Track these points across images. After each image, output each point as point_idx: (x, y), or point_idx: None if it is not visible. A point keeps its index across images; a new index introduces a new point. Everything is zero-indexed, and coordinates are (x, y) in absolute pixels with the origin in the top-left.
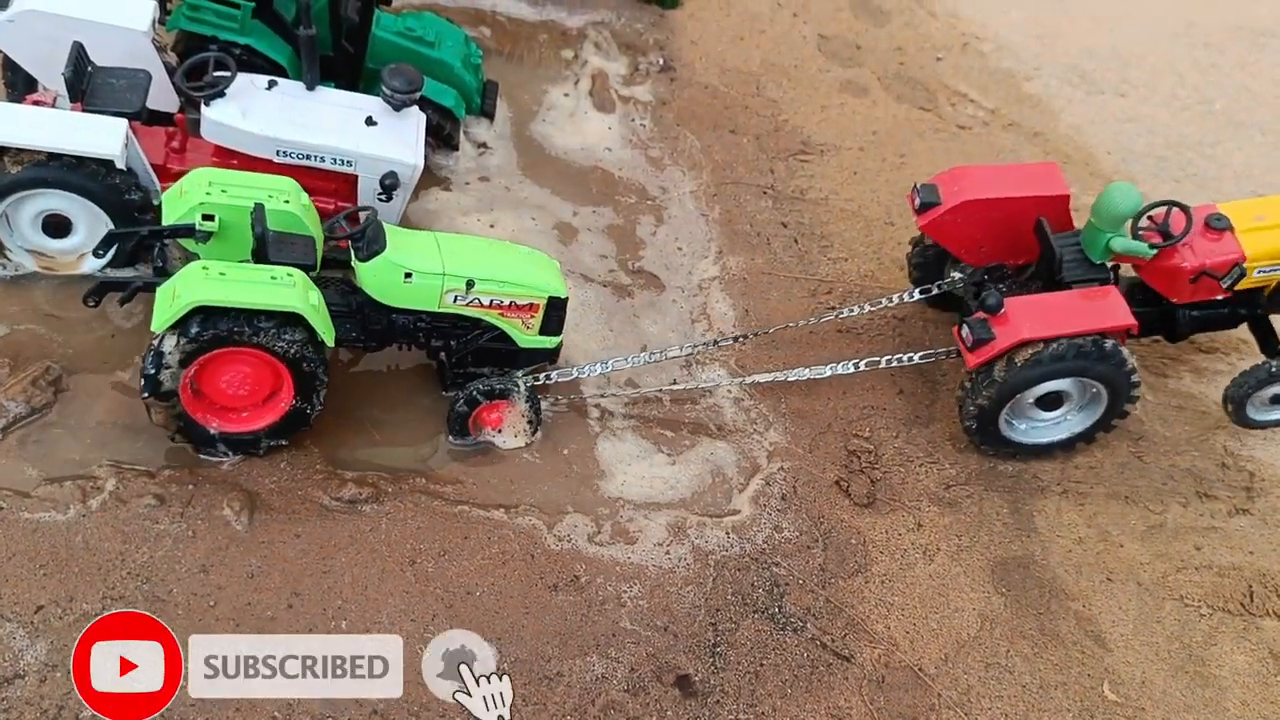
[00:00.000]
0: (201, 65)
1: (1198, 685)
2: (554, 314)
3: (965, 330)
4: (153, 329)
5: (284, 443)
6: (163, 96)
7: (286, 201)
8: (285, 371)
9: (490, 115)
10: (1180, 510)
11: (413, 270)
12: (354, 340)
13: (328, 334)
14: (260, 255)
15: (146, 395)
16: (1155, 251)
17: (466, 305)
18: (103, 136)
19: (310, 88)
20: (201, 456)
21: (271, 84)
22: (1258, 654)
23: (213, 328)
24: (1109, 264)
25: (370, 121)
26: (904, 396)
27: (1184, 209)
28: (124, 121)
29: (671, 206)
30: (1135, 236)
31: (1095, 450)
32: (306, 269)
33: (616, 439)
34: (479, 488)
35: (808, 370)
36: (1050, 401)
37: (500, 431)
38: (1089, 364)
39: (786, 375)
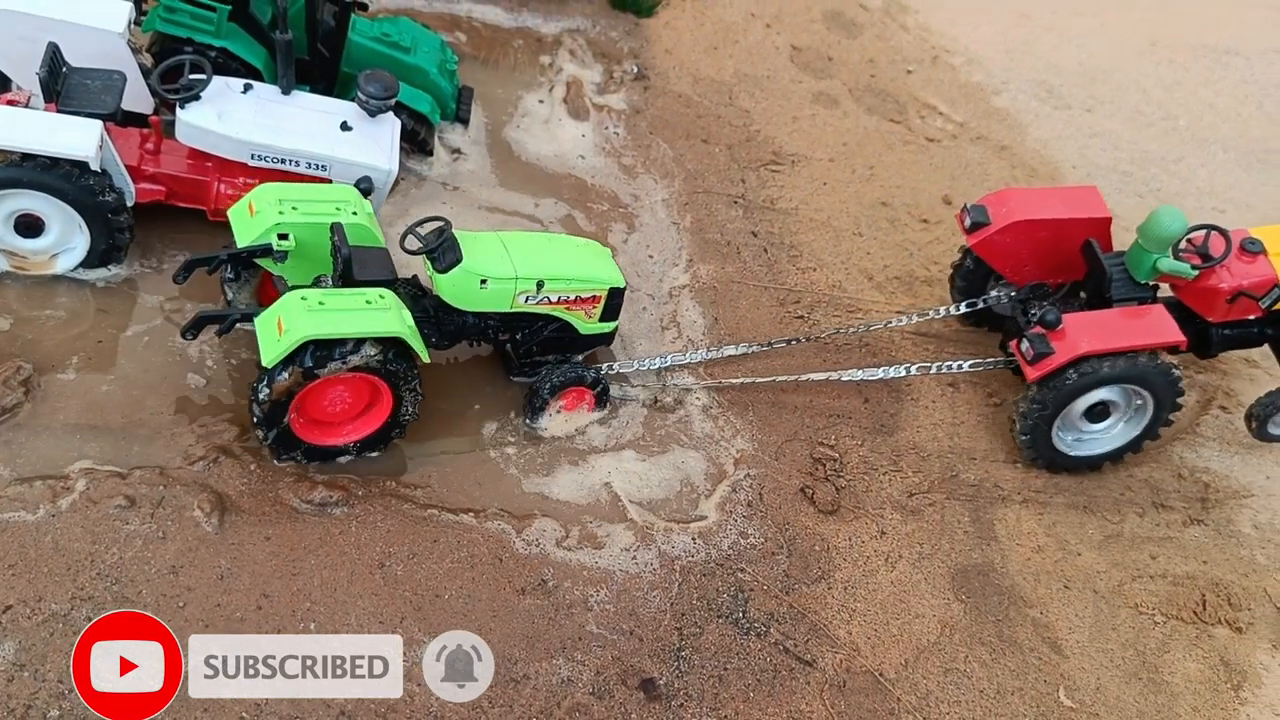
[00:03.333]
0: (177, 67)
1: (1151, 692)
2: (613, 302)
3: (1025, 345)
4: (264, 364)
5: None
6: (138, 98)
7: (354, 213)
8: (382, 413)
9: (465, 121)
10: (1137, 520)
11: (488, 277)
12: (430, 343)
13: (423, 352)
14: (347, 275)
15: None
16: (1197, 273)
17: (536, 304)
18: (77, 137)
19: (286, 92)
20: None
21: (247, 87)
22: (1209, 661)
23: (388, 354)
24: (1152, 284)
25: (345, 126)
26: (869, 405)
27: (1223, 232)
28: (99, 123)
29: (643, 214)
30: (1176, 258)
31: None
32: (389, 284)
33: (587, 445)
34: (448, 491)
35: (860, 372)
36: (1098, 414)
37: (558, 413)
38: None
39: (840, 375)
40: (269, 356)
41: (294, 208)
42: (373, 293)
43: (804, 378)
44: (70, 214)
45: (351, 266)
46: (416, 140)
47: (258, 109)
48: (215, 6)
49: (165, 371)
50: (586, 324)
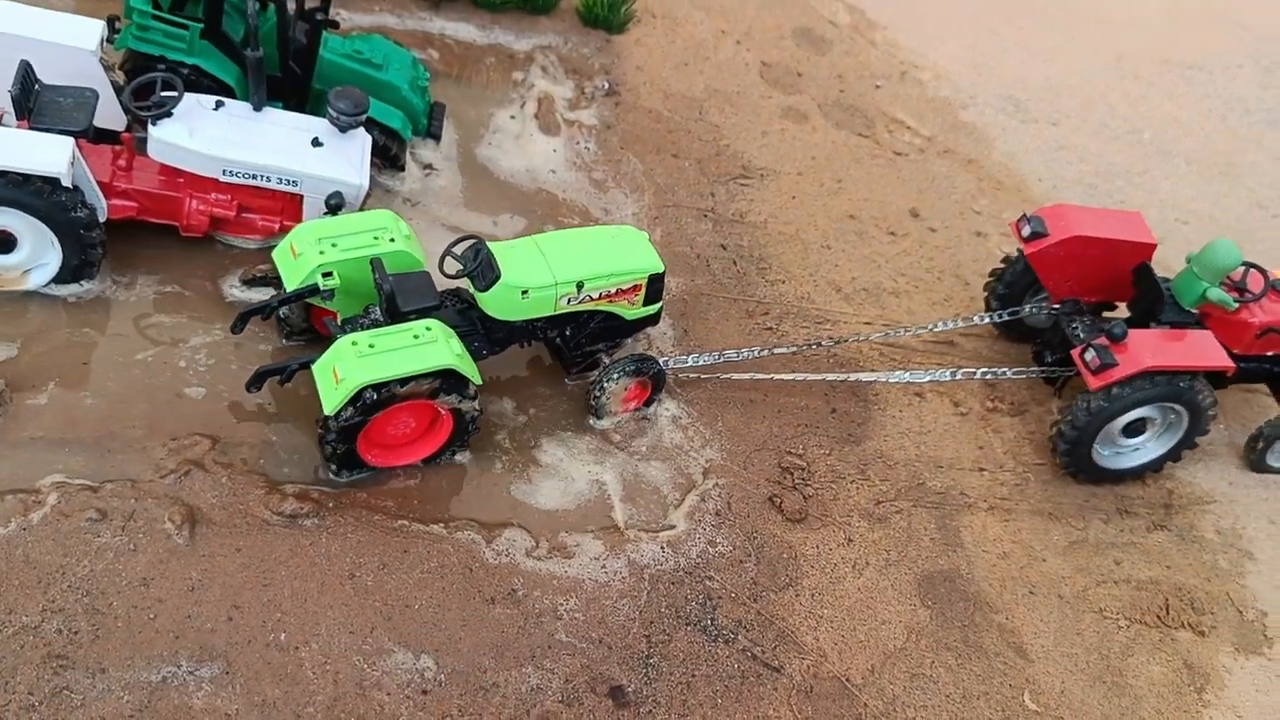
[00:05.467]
0: (149, 85)
1: (1114, 695)
2: (654, 287)
3: (1090, 354)
4: (326, 412)
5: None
6: (110, 115)
7: (393, 240)
8: (420, 452)
9: (437, 137)
10: (1101, 526)
11: (529, 288)
12: (481, 355)
13: (474, 376)
14: (393, 308)
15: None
16: (1237, 305)
17: (579, 304)
18: (49, 154)
19: (257, 108)
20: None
21: (219, 104)
22: (1172, 664)
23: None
24: (1194, 310)
25: (316, 142)
26: (837, 415)
27: (1261, 271)
28: (70, 140)
29: None
30: None
31: (1021, 468)
32: (433, 309)
33: (555, 455)
34: (419, 503)
35: (906, 374)
36: (1134, 429)
37: (624, 390)
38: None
39: (888, 377)
40: (330, 404)
41: (333, 244)
42: (419, 326)
43: (853, 378)
44: (42, 230)
45: (396, 299)
46: (388, 156)
47: (229, 125)
48: (187, 24)
49: (137, 386)
50: (631, 311)
